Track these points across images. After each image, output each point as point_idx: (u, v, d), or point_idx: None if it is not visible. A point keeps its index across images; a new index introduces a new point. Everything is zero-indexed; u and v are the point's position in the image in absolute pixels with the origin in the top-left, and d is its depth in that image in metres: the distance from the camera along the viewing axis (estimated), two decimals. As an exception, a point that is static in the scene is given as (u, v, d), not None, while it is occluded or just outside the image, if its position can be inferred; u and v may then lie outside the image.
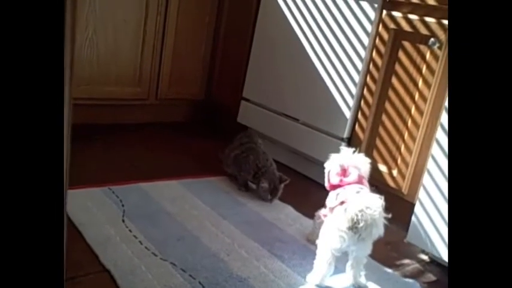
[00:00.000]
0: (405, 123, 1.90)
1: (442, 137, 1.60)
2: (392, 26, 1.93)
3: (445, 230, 1.59)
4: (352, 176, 1.51)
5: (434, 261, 1.71)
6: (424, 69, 1.83)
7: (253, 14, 2.56)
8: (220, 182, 2.09)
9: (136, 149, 2.34)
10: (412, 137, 1.87)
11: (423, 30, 1.82)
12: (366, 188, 1.48)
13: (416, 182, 1.86)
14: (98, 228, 1.53)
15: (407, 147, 1.89)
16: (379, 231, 1.33)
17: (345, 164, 1.54)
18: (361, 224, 1.30)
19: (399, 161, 1.92)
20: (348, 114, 2.10)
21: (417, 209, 1.68)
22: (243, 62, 2.62)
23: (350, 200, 1.37)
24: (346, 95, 2.11)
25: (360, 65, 2.05)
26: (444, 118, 1.60)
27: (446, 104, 1.60)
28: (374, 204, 1.32)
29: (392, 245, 1.79)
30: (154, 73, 2.63)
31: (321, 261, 1.43)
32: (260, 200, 1.96)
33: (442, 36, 1.76)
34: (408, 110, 1.89)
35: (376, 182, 2.00)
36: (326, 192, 1.55)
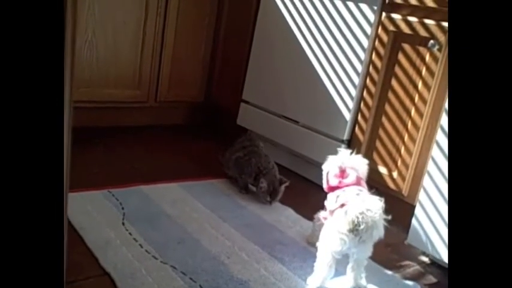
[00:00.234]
0: (405, 125, 1.90)
1: (442, 138, 1.60)
2: (391, 28, 1.93)
3: (445, 232, 1.59)
4: (351, 177, 1.51)
5: (435, 263, 1.71)
6: (423, 71, 1.83)
7: (253, 16, 2.56)
8: (220, 184, 2.09)
9: (136, 152, 2.34)
10: (412, 139, 1.87)
11: (423, 33, 1.82)
12: (365, 190, 1.48)
13: (416, 183, 1.86)
14: (98, 231, 1.52)
15: (407, 149, 1.89)
16: (379, 233, 1.33)
17: (343, 166, 1.54)
18: (362, 227, 1.30)
19: (399, 163, 1.92)
20: (347, 116, 2.10)
21: (417, 211, 1.68)
22: (243, 64, 2.62)
23: (350, 202, 1.36)
24: (345, 97, 2.11)
25: (359, 67, 2.05)
26: (444, 120, 1.60)
27: (446, 105, 1.60)
28: (374, 206, 1.32)
29: (392, 247, 1.79)
30: (153, 75, 2.63)
31: (322, 264, 1.43)
32: (260, 203, 1.96)
33: (442, 38, 1.77)
34: (408, 112, 1.89)
35: (376, 184, 1.99)
36: (326, 194, 1.55)
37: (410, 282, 1.58)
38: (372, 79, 2.02)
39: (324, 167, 1.60)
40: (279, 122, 2.41)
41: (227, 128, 2.79)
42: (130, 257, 1.42)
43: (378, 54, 1.99)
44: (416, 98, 1.85)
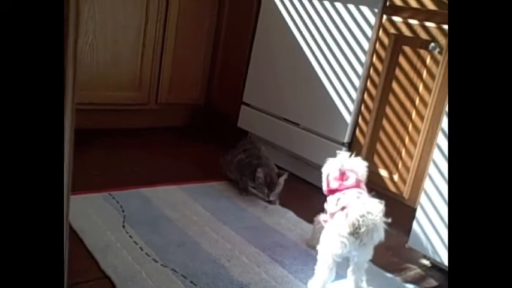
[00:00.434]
0: (406, 128, 1.90)
1: (443, 141, 1.60)
2: (392, 30, 1.93)
3: (446, 235, 1.58)
4: (351, 180, 1.51)
5: (436, 267, 1.71)
6: (424, 74, 1.83)
7: (253, 19, 2.56)
8: (220, 187, 2.09)
9: (137, 154, 2.34)
10: (413, 142, 1.87)
11: (423, 35, 1.82)
12: (365, 192, 1.47)
13: (417, 186, 1.86)
14: (98, 234, 1.52)
15: (408, 152, 1.89)
16: (380, 235, 1.33)
17: (343, 168, 1.54)
18: (363, 229, 1.29)
19: (400, 165, 1.92)
20: (348, 119, 2.10)
21: (418, 214, 1.67)
22: (243, 67, 2.62)
23: (351, 205, 1.36)
24: (346, 99, 2.11)
25: (360, 70, 2.05)
26: (445, 123, 1.59)
27: (447, 108, 1.60)
28: (375, 209, 1.31)
29: (393, 250, 1.78)
30: (154, 78, 2.63)
31: (322, 267, 1.43)
32: (261, 206, 1.96)
33: (443, 41, 1.76)
34: (409, 115, 1.88)
35: (377, 187, 1.99)
36: (326, 197, 1.55)
37: (411, 286, 1.58)
38: (372, 82, 2.02)
39: (323, 169, 1.60)
40: (279, 125, 2.41)
41: (227, 131, 2.78)
42: (131, 260, 1.42)
43: (379, 56, 1.99)
44: (417, 100, 1.85)
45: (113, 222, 1.62)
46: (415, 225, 1.69)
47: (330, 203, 1.50)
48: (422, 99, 1.84)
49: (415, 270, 1.69)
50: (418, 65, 1.85)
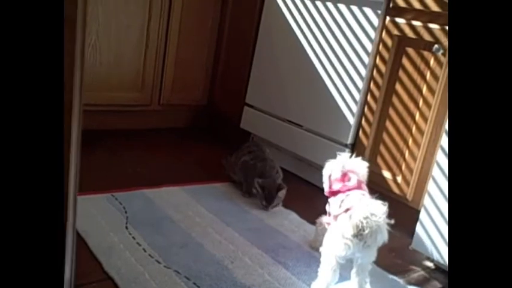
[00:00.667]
0: (409, 129, 1.89)
1: (446, 143, 1.59)
2: (396, 32, 1.93)
3: (450, 237, 1.58)
4: (352, 181, 1.51)
5: (440, 269, 1.70)
6: (428, 75, 1.82)
7: (256, 19, 2.56)
8: (224, 188, 2.08)
9: (139, 155, 2.34)
10: (417, 144, 1.87)
11: (427, 37, 1.82)
12: (367, 194, 1.47)
13: (420, 188, 1.85)
14: (101, 236, 1.52)
15: (411, 154, 1.89)
16: (383, 237, 1.33)
17: (344, 169, 1.54)
18: (366, 231, 1.29)
19: (403, 167, 1.91)
20: (351, 120, 2.10)
21: (422, 215, 1.67)
22: (246, 68, 2.62)
23: (354, 207, 1.36)
24: (349, 101, 2.10)
25: (363, 72, 2.05)
26: (449, 125, 1.59)
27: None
28: (378, 210, 1.31)
29: (397, 252, 1.78)
30: (157, 79, 2.63)
31: (325, 269, 1.42)
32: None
33: (446, 42, 1.76)
34: (412, 117, 1.88)
35: (380, 189, 1.99)
36: (328, 199, 1.55)
37: (414, 288, 1.58)
38: (376, 83, 2.01)
39: (324, 170, 1.60)
40: (282, 126, 2.41)
41: (230, 132, 2.78)
42: (134, 261, 1.42)
43: (382, 58, 1.98)
44: (421, 102, 1.85)
45: (116, 223, 1.62)
46: (418, 227, 1.68)
47: (333, 205, 1.50)
48: (425, 101, 1.83)
49: (419, 272, 1.69)
50: (422, 66, 1.84)
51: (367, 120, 2.05)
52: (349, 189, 1.48)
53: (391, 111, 1.95)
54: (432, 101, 1.81)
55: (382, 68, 1.98)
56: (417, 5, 1.85)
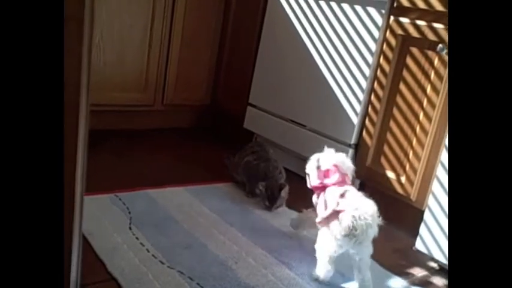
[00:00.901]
0: (413, 129, 1.89)
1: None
2: (400, 32, 1.92)
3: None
4: (336, 176, 1.54)
5: (444, 269, 1.69)
6: (432, 75, 1.82)
7: (260, 19, 2.56)
8: (227, 188, 2.08)
9: (142, 155, 2.33)
10: (421, 144, 1.86)
11: (431, 36, 1.81)
12: (353, 188, 1.50)
13: (424, 188, 1.84)
14: (104, 236, 1.52)
15: (415, 154, 1.88)
16: (374, 231, 1.37)
17: (328, 164, 1.56)
18: (358, 231, 1.34)
19: (407, 167, 1.90)
20: (355, 120, 2.09)
21: (426, 216, 1.66)
22: (249, 68, 2.62)
23: (346, 208, 1.39)
24: (353, 101, 2.10)
25: (367, 71, 2.04)
26: (453, 125, 1.58)
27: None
28: (369, 211, 1.35)
29: (400, 252, 1.77)
30: (160, 79, 2.63)
31: (323, 262, 1.48)
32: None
33: (451, 42, 1.75)
34: (416, 116, 1.87)
35: (384, 188, 1.98)
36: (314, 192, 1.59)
37: (419, 289, 1.57)
38: (379, 83, 2.01)
39: (309, 165, 1.63)
40: (285, 126, 2.40)
41: (233, 132, 2.78)
42: (137, 262, 1.41)
43: (386, 58, 1.98)
44: (425, 102, 1.84)
45: (120, 224, 1.61)
46: (422, 227, 1.68)
47: (321, 201, 1.53)
48: (430, 101, 1.83)
49: (423, 273, 1.68)
50: (426, 66, 1.84)
51: (370, 120, 2.04)
52: (334, 184, 1.52)
53: (395, 111, 1.95)
54: (436, 100, 1.80)
55: (386, 67, 1.98)
56: (421, 5, 1.84)
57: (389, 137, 1.97)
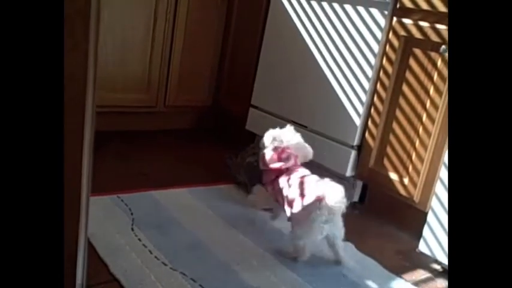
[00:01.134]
0: (416, 131, 1.88)
1: (454, 145, 1.58)
2: (402, 33, 1.92)
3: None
4: (292, 159, 1.63)
5: (447, 271, 1.69)
6: (435, 76, 1.81)
7: (262, 21, 2.56)
8: (229, 189, 2.08)
9: (145, 157, 2.33)
10: (424, 145, 1.85)
11: (434, 37, 1.81)
12: (306, 171, 1.61)
13: (427, 190, 1.84)
14: (107, 237, 1.52)
15: (418, 156, 1.87)
16: (341, 208, 1.48)
17: (281, 144, 1.66)
18: (335, 215, 1.48)
19: (410, 169, 1.90)
20: (357, 121, 2.09)
21: (430, 217, 1.66)
22: (252, 69, 2.62)
23: (325, 194, 1.46)
24: (356, 102, 2.09)
25: (370, 73, 2.04)
26: (457, 126, 1.58)
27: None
28: (340, 193, 1.45)
29: (404, 254, 1.77)
30: (162, 80, 2.63)
31: (306, 248, 1.56)
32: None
33: (454, 43, 1.75)
34: (419, 118, 1.87)
35: (387, 190, 1.98)
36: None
37: (422, 291, 1.57)
38: (382, 84, 2.00)
39: (263, 143, 1.71)
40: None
41: (236, 133, 2.78)
42: (140, 263, 1.41)
43: (389, 59, 1.97)
44: (428, 103, 1.84)
45: (122, 225, 1.61)
46: (425, 229, 1.67)
47: (285, 184, 1.61)
48: (433, 102, 1.82)
49: (426, 275, 1.67)
50: (429, 67, 1.83)
51: (373, 121, 2.04)
52: (295, 168, 1.61)
53: (398, 113, 1.94)
54: (439, 102, 1.80)
55: (389, 68, 1.97)
56: (424, 6, 1.83)
57: (392, 138, 1.97)
